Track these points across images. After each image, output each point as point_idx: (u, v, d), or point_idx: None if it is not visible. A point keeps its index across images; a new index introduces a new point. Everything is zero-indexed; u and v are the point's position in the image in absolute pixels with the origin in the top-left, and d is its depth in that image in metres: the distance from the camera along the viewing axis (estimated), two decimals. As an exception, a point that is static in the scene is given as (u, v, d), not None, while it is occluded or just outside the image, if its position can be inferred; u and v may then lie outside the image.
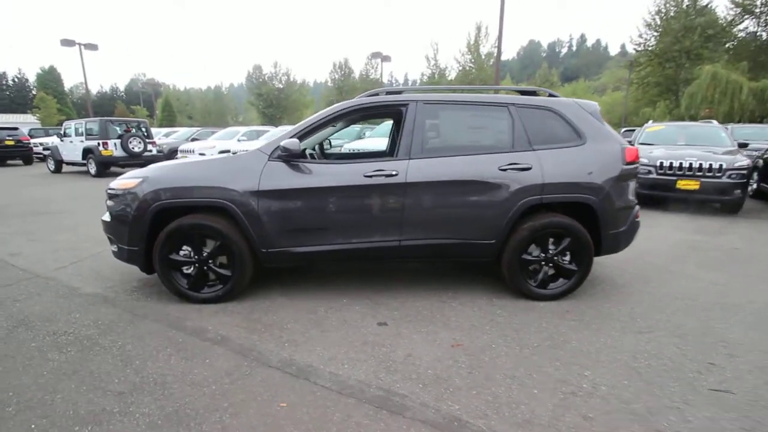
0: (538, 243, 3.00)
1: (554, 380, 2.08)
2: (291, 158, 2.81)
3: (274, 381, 2.06)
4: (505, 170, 2.86)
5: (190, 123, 46.96)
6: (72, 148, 12.13)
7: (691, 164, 6.45)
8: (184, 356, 2.28)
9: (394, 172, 2.81)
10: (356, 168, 2.85)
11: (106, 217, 3.03)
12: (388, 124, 9.47)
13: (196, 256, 2.88)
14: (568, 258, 3.04)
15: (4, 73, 60.03)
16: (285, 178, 2.81)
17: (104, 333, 2.55)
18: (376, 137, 9.37)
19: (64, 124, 13.08)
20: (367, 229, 2.88)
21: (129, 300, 3.06)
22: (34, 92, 52.24)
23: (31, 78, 58.20)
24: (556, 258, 3.00)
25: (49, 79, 52.40)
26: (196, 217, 2.82)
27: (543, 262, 3.02)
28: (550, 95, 3.16)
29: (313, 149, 3.86)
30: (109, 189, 2.98)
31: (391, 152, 4.09)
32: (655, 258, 4.18)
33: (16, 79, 60.88)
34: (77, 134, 11.99)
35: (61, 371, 2.13)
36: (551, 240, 2.99)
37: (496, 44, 29.20)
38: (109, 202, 2.97)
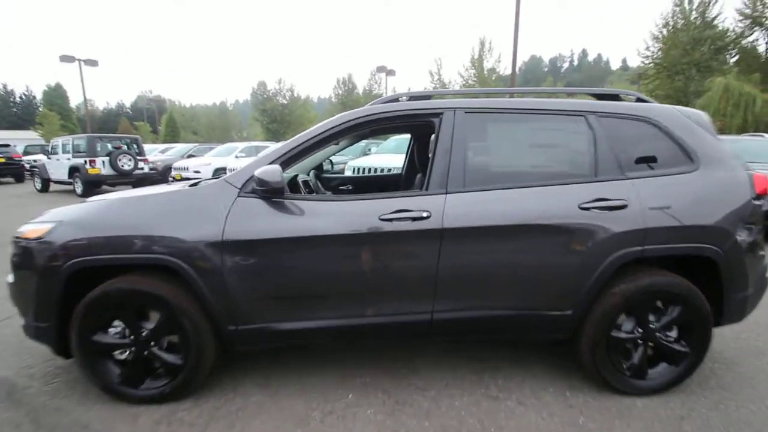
0: (630, 313, 2.06)
1: None
2: (271, 194, 1.91)
3: None
4: (587, 209, 1.93)
5: (195, 138, 46.74)
6: (58, 166, 11.39)
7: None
8: None
9: (424, 214, 1.90)
10: (368, 207, 1.94)
11: (11, 278, 2.11)
12: (399, 138, 8.61)
13: (131, 337, 1.96)
14: (673, 334, 2.09)
15: (12, 90, 60.48)
16: (263, 221, 1.90)
17: (-26, 470, 1.62)
18: (383, 153, 8.45)
19: (51, 141, 12.41)
20: (385, 298, 1.95)
21: (43, 394, 2.13)
22: (40, 109, 52.36)
23: (39, 95, 58.65)
24: (658, 334, 2.06)
25: (55, 95, 52.58)
26: (130, 281, 1.91)
27: (640, 341, 2.07)
28: (639, 100, 2.26)
29: (308, 174, 2.96)
30: (15, 238, 2.08)
31: (407, 180, 3.18)
32: (759, 316, 3.18)
33: (23, 96, 61.24)
34: (64, 151, 11.26)
35: None
36: (651, 308, 2.05)
37: (500, 59, 29.19)
38: (14, 258, 2.06)
